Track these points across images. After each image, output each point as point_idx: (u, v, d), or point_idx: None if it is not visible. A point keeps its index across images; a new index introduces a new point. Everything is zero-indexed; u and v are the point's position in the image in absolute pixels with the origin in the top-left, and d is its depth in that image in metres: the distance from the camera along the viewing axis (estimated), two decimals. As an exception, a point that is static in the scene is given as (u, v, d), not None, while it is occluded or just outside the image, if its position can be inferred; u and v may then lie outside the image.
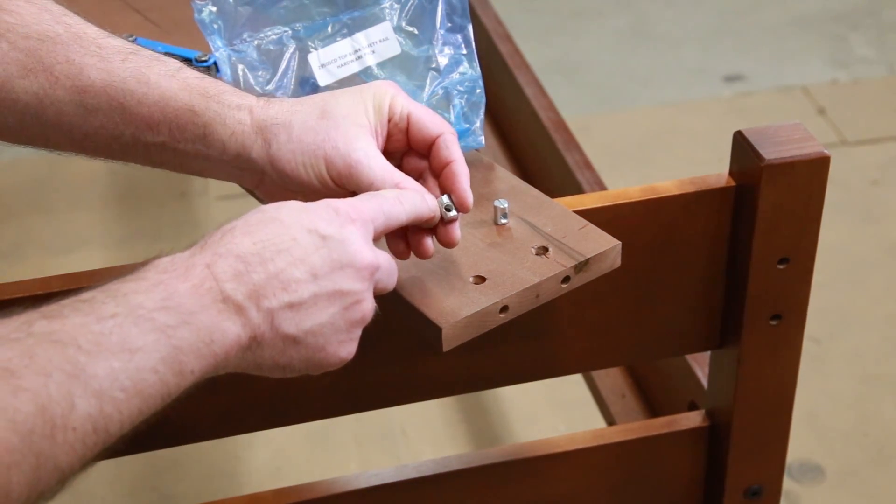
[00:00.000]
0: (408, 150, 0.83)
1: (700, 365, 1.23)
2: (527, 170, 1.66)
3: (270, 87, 0.92)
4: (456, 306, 0.82)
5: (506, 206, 0.90)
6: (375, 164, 0.79)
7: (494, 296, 0.83)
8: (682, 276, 1.03)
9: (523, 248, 0.87)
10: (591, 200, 0.97)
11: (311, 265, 0.70)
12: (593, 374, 1.45)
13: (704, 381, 1.19)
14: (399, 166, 0.83)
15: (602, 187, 1.43)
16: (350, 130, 0.79)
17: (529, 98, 1.59)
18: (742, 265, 1.01)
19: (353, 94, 0.81)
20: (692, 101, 2.69)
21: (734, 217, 1.00)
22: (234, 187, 1.12)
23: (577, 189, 1.43)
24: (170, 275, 0.67)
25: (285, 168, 0.80)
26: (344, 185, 0.80)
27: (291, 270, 0.69)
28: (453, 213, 0.81)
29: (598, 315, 1.04)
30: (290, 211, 0.72)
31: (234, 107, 0.80)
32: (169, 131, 0.80)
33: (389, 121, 0.81)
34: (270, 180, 0.81)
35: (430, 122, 0.81)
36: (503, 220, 0.90)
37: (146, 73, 0.79)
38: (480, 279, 0.84)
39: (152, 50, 0.82)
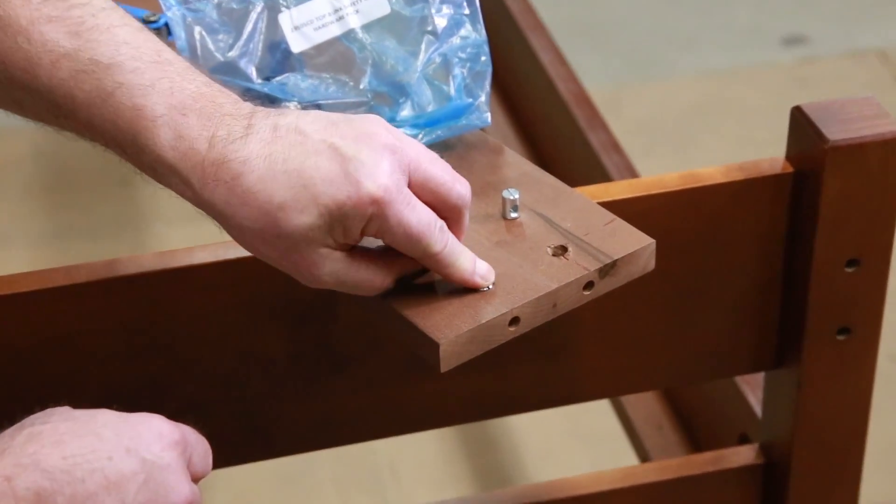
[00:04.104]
0: None
1: (752, 389, 1.23)
2: (542, 153, 1.67)
3: (233, 52, 0.93)
4: (456, 318, 0.83)
5: (517, 196, 0.91)
6: (349, 280, 0.82)
7: (502, 305, 0.84)
8: (729, 281, 1.04)
9: (537, 247, 0.88)
10: (619, 190, 0.98)
11: (125, 493, 0.72)
12: (623, 401, 1.45)
13: (758, 409, 1.20)
14: None
15: (633, 174, 1.44)
16: (311, 254, 0.80)
17: (545, 66, 1.60)
18: (802, 268, 1.02)
19: (318, 203, 0.78)
20: (743, 68, 2.69)
21: (792, 210, 1.01)
22: (188, 174, 1.12)
23: (603, 176, 1.44)
24: None
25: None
26: None
27: (103, 497, 0.71)
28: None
29: (628, 329, 1.04)
30: (106, 423, 0.73)
31: (168, 168, 0.80)
32: (105, 145, 0.82)
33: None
34: None
35: (406, 251, 0.82)
36: (513, 214, 0.91)
37: (73, 89, 0.80)
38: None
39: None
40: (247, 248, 0.82)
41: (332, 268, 0.81)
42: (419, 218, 0.80)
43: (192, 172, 0.79)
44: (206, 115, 0.80)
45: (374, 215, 0.79)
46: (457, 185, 0.83)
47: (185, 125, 0.80)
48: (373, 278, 0.83)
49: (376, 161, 0.79)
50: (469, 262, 0.84)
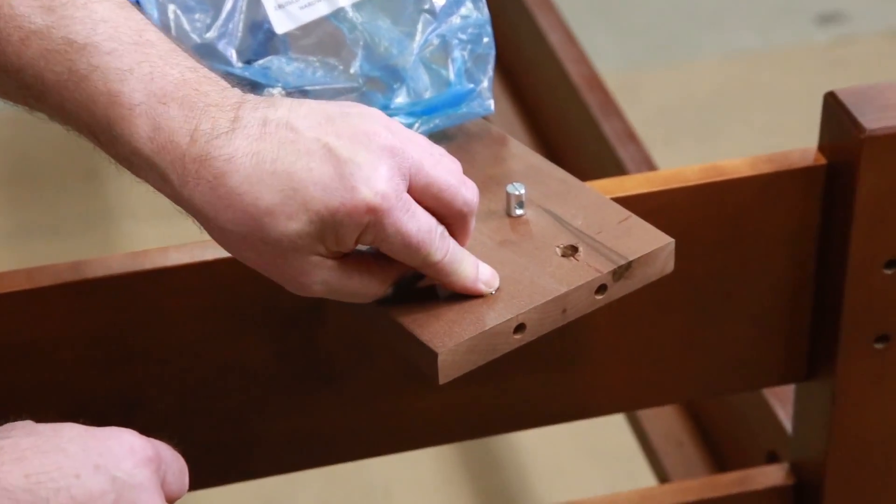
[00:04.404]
0: None
1: (781, 403, 1.24)
2: (550, 143, 1.67)
3: (211, 34, 0.94)
4: (456, 325, 0.83)
5: (522, 192, 0.91)
6: (341, 289, 0.82)
7: (507, 311, 0.84)
8: (756, 284, 1.05)
9: (545, 247, 0.88)
10: (635, 184, 0.98)
11: None
12: (639, 416, 1.46)
13: (788, 425, 1.20)
14: None
15: (651, 167, 1.44)
16: (301, 262, 0.81)
17: (554, 47, 1.60)
18: (836, 270, 1.03)
19: (309, 210, 0.79)
20: (773, 49, 2.69)
21: (825, 206, 1.02)
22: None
23: (618, 169, 1.44)
24: None
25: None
26: None
27: None
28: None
29: (645, 337, 1.05)
30: (73, 438, 0.73)
31: (145, 162, 0.80)
32: (78, 131, 0.83)
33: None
34: None
35: (404, 259, 0.82)
36: (519, 211, 0.91)
37: (43, 70, 0.80)
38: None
39: None
40: (229, 251, 0.82)
41: (323, 276, 0.81)
42: (419, 226, 0.81)
43: (170, 168, 0.80)
44: (189, 104, 0.80)
45: (369, 224, 0.79)
46: (462, 190, 0.83)
47: (165, 115, 0.80)
48: (367, 286, 0.83)
49: (374, 165, 0.79)
50: (472, 269, 0.84)
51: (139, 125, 0.80)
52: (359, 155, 0.79)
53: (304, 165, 0.79)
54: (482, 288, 0.85)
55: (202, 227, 0.82)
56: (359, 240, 0.80)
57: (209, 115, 0.80)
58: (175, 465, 0.78)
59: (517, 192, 0.91)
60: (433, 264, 0.82)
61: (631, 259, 0.87)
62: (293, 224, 0.79)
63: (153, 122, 0.80)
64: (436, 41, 0.96)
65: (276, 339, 0.98)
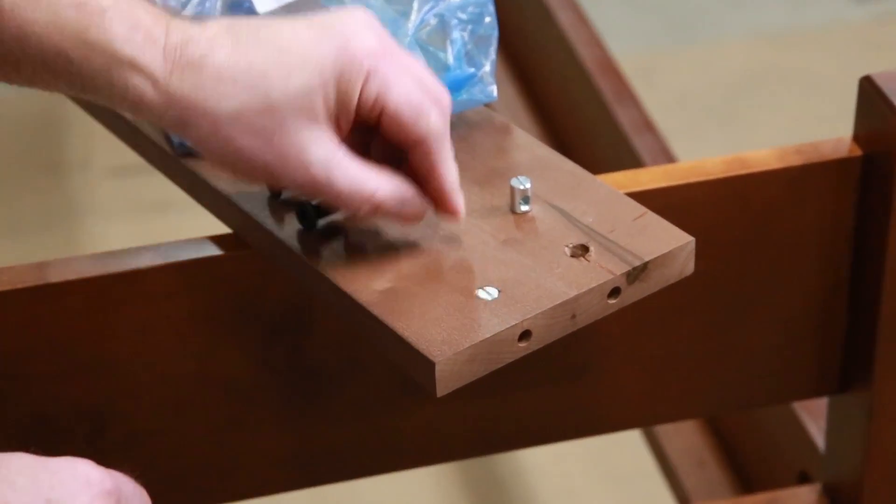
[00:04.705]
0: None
1: (813, 418, 1.24)
2: (559, 133, 1.67)
3: (187, 13, 0.94)
4: (455, 331, 0.83)
5: (528, 186, 0.91)
6: (341, 177, 0.84)
7: (511, 316, 0.84)
8: (784, 287, 1.05)
9: (553, 247, 0.89)
10: (652, 178, 0.99)
11: None
12: (657, 432, 1.46)
13: (820, 442, 1.20)
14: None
15: (669, 158, 1.44)
16: (301, 134, 0.83)
17: (563, 28, 1.60)
18: (873, 271, 1.03)
19: (307, 62, 0.83)
20: (805, 29, 2.69)
21: (861, 202, 1.02)
22: (128, 157, 1.13)
23: (633, 161, 1.44)
24: None
25: (210, 160, 0.86)
26: (297, 194, 0.86)
27: None
28: None
29: (663, 345, 1.05)
30: (22, 469, 0.74)
31: (127, 64, 0.82)
32: (33, 72, 0.84)
33: (359, 108, 0.85)
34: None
35: (407, 122, 0.85)
36: (524, 207, 0.91)
37: None
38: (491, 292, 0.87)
39: None
40: (218, 154, 0.84)
41: (324, 152, 0.83)
42: (417, 86, 0.85)
43: (153, 62, 0.83)
44: (155, 10, 0.84)
45: (371, 71, 0.83)
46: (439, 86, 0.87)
47: (136, 16, 0.83)
48: (365, 179, 0.85)
49: (360, 23, 0.84)
50: (457, 176, 0.87)
51: (115, 28, 0.82)
52: (342, 19, 0.85)
53: (289, 32, 0.84)
54: (458, 203, 0.87)
55: (185, 133, 0.84)
56: (362, 92, 0.83)
57: (178, 16, 0.85)
58: (136, 499, 0.77)
59: (522, 187, 0.91)
60: (436, 134, 0.85)
61: (647, 260, 0.87)
62: (294, 80, 0.83)
63: (128, 22, 0.83)
64: (433, 21, 0.96)
65: (258, 347, 0.98)
